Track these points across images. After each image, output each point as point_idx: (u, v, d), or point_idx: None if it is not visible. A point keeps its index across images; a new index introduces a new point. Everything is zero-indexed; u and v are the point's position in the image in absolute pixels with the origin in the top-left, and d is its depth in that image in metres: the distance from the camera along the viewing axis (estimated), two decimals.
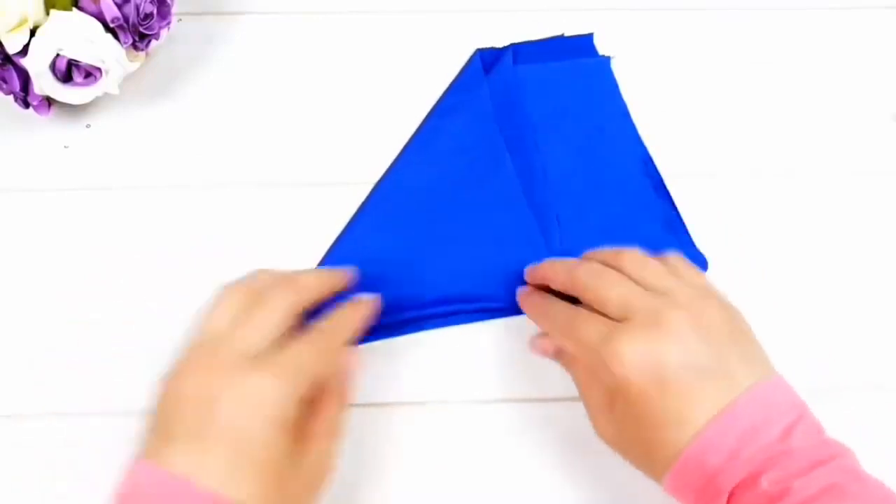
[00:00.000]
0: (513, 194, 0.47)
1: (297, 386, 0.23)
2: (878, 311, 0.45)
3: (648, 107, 0.52)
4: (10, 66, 0.47)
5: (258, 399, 0.22)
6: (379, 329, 0.43)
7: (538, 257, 0.44)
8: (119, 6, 0.47)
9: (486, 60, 0.53)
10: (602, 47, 0.55)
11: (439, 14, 0.56)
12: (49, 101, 0.49)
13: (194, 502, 0.19)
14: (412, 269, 0.45)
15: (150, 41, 0.50)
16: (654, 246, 0.37)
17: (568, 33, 0.55)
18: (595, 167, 0.49)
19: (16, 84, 0.47)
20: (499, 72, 0.52)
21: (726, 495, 0.28)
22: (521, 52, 0.53)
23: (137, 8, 0.47)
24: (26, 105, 0.49)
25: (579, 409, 0.36)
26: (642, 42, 0.55)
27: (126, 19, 0.47)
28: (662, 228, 0.47)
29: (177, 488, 0.19)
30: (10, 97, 0.48)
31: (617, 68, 0.54)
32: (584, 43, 0.55)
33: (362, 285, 0.43)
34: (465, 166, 0.48)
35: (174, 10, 0.51)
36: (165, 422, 0.22)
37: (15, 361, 0.43)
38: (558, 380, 0.40)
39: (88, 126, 0.51)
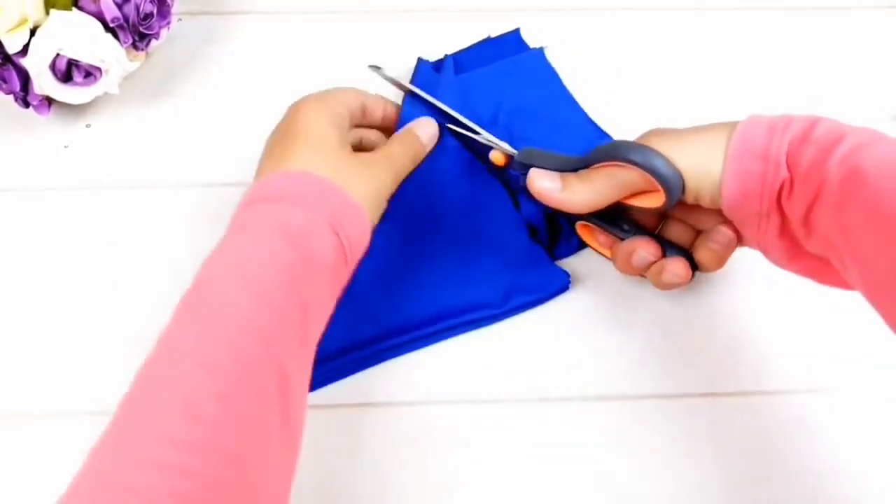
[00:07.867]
0: (494, 197, 0.46)
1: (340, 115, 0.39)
2: None
3: (646, 107, 0.52)
4: (10, 66, 0.47)
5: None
6: (380, 351, 0.43)
7: (532, 261, 0.44)
8: (119, 6, 0.47)
9: (424, 74, 0.51)
10: (597, 47, 0.55)
11: (441, 14, 0.56)
12: (49, 101, 0.49)
13: (309, 179, 0.34)
14: (407, 288, 0.44)
15: (149, 41, 0.50)
16: None
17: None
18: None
19: (16, 84, 0.47)
20: (445, 83, 0.50)
21: (784, 163, 0.34)
22: (459, 60, 0.53)
23: (137, 8, 0.47)
24: (26, 105, 0.49)
25: (591, 409, 0.36)
26: (639, 42, 0.55)
27: (126, 19, 0.47)
28: None
29: (301, 175, 0.34)
30: (10, 97, 0.48)
31: (615, 68, 0.54)
32: (513, 40, 0.55)
33: (362, 309, 0.43)
34: (441, 181, 0.47)
35: (174, 9, 0.51)
36: (284, 148, 0.36)
37: (14, 361, 0.43)
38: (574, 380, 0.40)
39: (88, 126, 0.51)
